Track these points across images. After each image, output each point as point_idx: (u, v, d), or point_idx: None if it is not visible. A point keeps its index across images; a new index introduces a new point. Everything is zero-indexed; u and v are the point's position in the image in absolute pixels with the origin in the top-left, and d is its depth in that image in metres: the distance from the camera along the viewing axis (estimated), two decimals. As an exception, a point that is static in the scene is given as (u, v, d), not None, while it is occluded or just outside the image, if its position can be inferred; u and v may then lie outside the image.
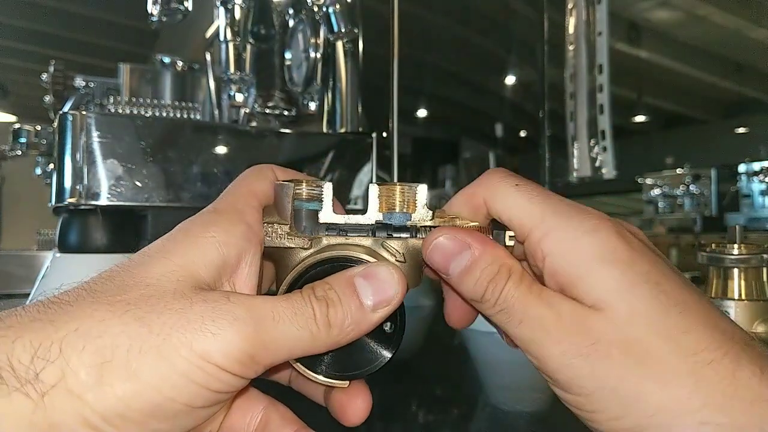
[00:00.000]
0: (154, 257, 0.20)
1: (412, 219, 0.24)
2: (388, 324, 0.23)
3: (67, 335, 0.17)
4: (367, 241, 0.24)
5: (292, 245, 0.23)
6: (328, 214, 0.24)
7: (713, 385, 0.18)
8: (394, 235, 0.24)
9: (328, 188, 0.24)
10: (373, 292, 0.21)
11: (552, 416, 0.52)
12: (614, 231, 0.21)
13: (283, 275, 0.24)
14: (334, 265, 0.23)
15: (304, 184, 0.24)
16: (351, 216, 0.24)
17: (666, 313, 0.19)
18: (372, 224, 0.24)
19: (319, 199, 0.24)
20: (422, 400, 0.54)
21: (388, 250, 0.24)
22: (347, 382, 0.23)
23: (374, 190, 0.24)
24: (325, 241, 0.24)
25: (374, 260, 0.23)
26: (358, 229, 0.24)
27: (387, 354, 0.23)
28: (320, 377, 0.23)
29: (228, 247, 0.21)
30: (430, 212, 0.24)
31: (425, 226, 0.24)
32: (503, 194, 0.23)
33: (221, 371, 0.18)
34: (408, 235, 0.24)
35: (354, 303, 0.21)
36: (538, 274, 0.23)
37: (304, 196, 0.24)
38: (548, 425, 0.50)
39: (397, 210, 0.24)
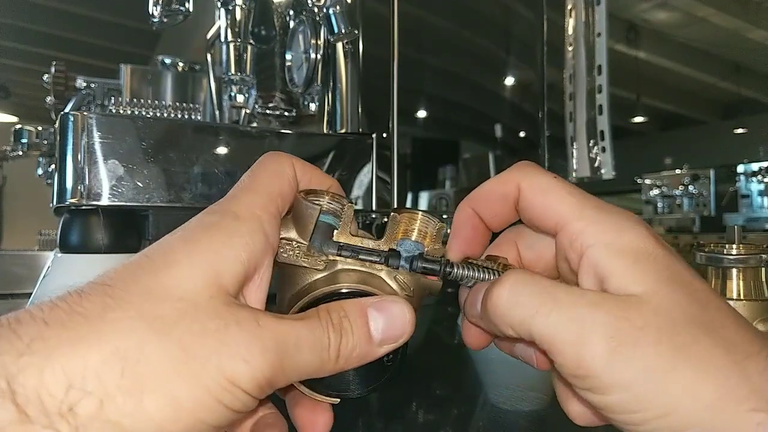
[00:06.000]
0: (181, 262, 0.19)
1: (424, 252, 0.24)
2: (390, 355, 0.23)
3: (104, 359, 0.17)
4: (381, 272, 0.24)
5: (307, 265, 0.23)
6: (344, 235, 0.24)
7: (756, 375, 0.18)
8: (404, 265, 0.24)
9: (349, 209, 0.24)
10: (384, 327, 0.22)
11: (552, 415, 0.52)
12: (649, 231, 0.21)
13: (289, 288, 0.24)
14: (349, 296, 0.23)
15: (326, 197, 0.24)
16: (366, 239, 0.24)
17: (703, 308, 0.20)
18: (385, 251, 0.24)
19: (337, 215, 0.24)
20: (422, 399, 0.54)
21: (399, 284, 0.24)
22: (338, 399, 0.24)
23: (395, 217, 0.24)
24: (339, 266, 0.24)
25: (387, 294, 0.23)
26: (371, 253, 0.24)
27: (380, 382, 0.24)
28: (315, 394, 0.23)
29: (249, 258, 0.21)
30: (444, 249, 0.24)
31: (435, 260, 0.24)
32: (541, 182, 0.23)
33: (245, 394, 0.18)
34: (420, 271, 0.24)
35: (364, 335, 0.21)
36: (566, 269, 0.23)
37: (324, 208, 0.24)
38: (548, 424, 0.50)
39: (413, 238, 0.24)
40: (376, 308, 0.22)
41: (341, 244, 0.24)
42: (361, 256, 0.24)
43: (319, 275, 0.23)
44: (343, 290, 0.23)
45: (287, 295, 0.24)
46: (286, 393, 0.25)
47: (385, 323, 0.22)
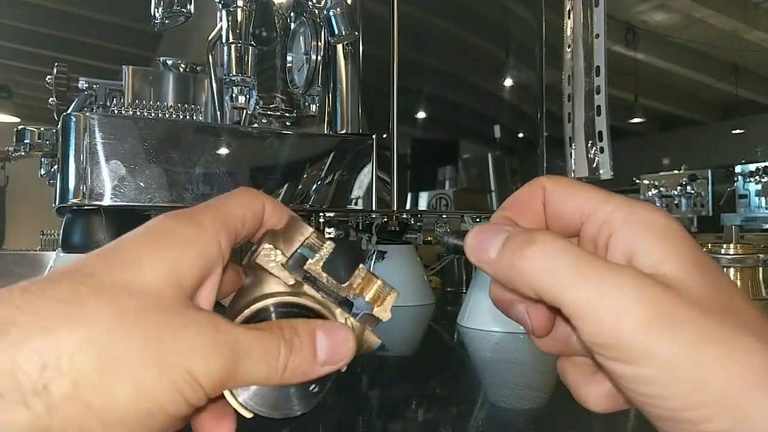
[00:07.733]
0: (146, 260, 0.21)
1: (372, 312, 0.26)
2: (315, 385, 0.24)
3: (78, 343, 0.18)
4: (336, 310, 0.26)
5: (279, 276, 0.25)
6: (314, 266, 0.25)
7: None
8: (357, 317, 0.26)
9: (328, 247, 0.26)
10: (328, 350, 0.23)
11: (550, 414, 0.52)
12: (668, 215, 0.22)
13: (255, 290, 0.25)
14: (301, 312, 0.24)
15: (315, 232, 0.26)
16: (331, 279, 0.26)
17: (726, 294, 0.21)
18: (342, 296, 0.26)
19: (315, 250, 0.26)
20: (422, 398, 0.54)
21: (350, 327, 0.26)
22: (252, 414, 0.24)
23: (361, 272, 0.26)
24: (305, 289, 0.25)
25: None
26: (330, 292, 0.26)
27: (299, 410, 0.24)
28: (233, 401, 0.24)
29: (204, 265, 0.22)
30: (390, 315, 0.26)
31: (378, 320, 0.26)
32: (565, 180, 0.24)
33: (201, 389, 0.20)
34: (366, 323, 0.26)
35: (310, 353, 0.23)
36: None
37: (305, 243, 0.26)
38: (547, 423, 0.50)
39: (365, 299, 0.26)
40: (323, 330, 0.24)
41: (308, 274, 0.26)
42: (320, 290, 0.26)
43: (285, 289, 0.25)
44: (299, 304, 0.25)
45: (252, 294, 0.25)
46: None
47: (330, 346, 0.23)
